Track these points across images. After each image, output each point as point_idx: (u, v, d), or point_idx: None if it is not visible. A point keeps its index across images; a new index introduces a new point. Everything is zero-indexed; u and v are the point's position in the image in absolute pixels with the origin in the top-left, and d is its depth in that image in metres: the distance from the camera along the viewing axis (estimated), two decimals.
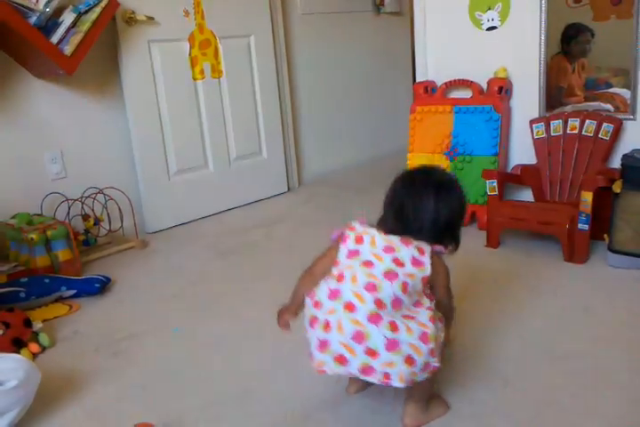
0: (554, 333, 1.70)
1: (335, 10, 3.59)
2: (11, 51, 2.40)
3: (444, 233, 1.30)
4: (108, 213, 2.56)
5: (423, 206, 1.28)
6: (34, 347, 1.70)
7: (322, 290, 1.26)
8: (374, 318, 1.19)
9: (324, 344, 1.22)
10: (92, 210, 2.55)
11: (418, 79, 2.85)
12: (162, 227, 2.85)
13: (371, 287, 1.20)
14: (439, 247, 1.28)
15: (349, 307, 1.20)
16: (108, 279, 2.17)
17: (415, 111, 2.71)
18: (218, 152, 3.04)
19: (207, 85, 2.96)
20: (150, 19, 2.69)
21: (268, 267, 2.30)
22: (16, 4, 2.21)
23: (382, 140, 3.95)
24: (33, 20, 2.28)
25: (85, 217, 2.53)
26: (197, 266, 2.38)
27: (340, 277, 1.24)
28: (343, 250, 1.27)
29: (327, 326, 1.21)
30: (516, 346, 1.64)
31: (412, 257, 1.23)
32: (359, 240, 1.26)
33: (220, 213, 3.04)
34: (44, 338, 1.75)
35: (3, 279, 2.10)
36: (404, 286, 1.21)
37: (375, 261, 1.23)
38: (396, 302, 1.20)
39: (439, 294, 1.31)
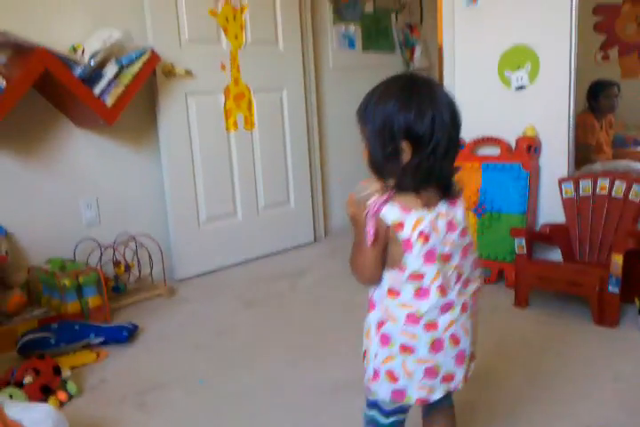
0: (582, 400, 1.66)
1: (365, 65, 3.70)
2: (54, 100, 2.50)
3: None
4: (138, 260, 2.60)
5: (447, 134, 1.07)
6: (62, 395, 1.70)
7: (430, 311, 1.06)
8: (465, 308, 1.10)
9: (433, 370, 1.09)
10: (124, 256, 2.59)
11: None
12: (190, 274, 2.87)
13: (462, 281, 1.10)
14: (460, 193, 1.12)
15: (464, 308, 1.10)
16: (136, 327, 2.19)
17: None
18: (247, 201, 3.10)
19: (239, 136, 3.04)
20: (188, 72, 2.80)
21: (293, 319, 2.29)
22: (63, 56, 2.33)
23: None
24: (78, 72, 2.39)
25: (116, 263, 2.57)
26: (224, 316, 2.38)
27: (443, 290, 1.06)
28: (416, 260, 1.05)
29: (438, 344, 1.08)
30: (543, 414, 1.60)
31: (463, 217, 1.11)
32: (424, 237, 1.04)
33: (247, 261, 3.07)
34: (71, 386, 1.76)
35: (34, 324, 2.13)
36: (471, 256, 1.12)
37: (450, 250, 1.07)
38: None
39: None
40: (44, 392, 1.67)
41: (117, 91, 2.48)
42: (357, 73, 3.66)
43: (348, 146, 3.65)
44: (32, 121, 2.42)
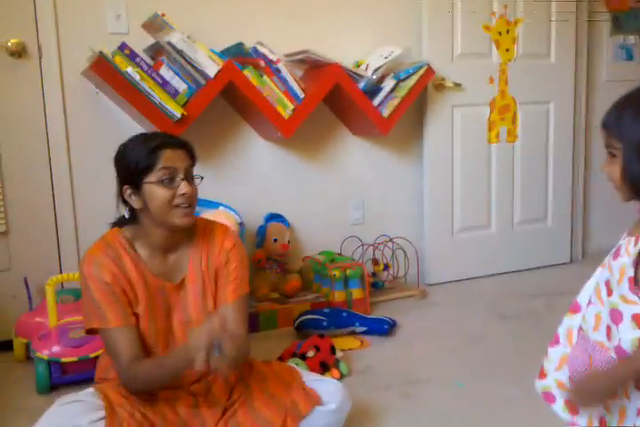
0: None
1: None
2: (337, 110, 2.78)
3: None
4: (396, 260, 2.77)
5: None
6: (335, 373, 1.89)
7: None
8: None
9: None
10: (383, 255, 2.77)
11: None
12: (440, 280, 2.96)
13: None
14: None
15: None
16: (395, 322, 2.33)
17: None
18: (502, 214, 3.08)
19: (501, 149, 3.04)
20: (457, 85, 2.89)
21: (549, 339, 2.22)
22: (350, 71, 2.58)
23: None
24: (361, 85, 2.63)
25: (375, 261, 2.76)
26: (476, 325, 2.41)
27: None
28: None
29: None
30: None
31: None
32: None
33: (497, 274, 3.06)
34: (343, 366, 1.94)
35: (307, 307, 2.40)
36: None
37: None
38: None
39: None
40: (322, 367, 1.87)
41: (394, 103, 2.67)
42: (632, 85, 3.39)
43: None
44: (317, 128, 2.72)
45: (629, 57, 3.41)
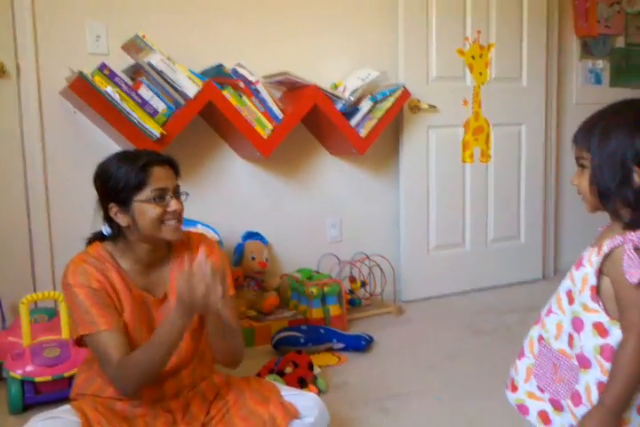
0: None
1: (612, 101, 3.51)
2: (315, 130, 2.83)
3: None
4: (373, 277, 2.80)
5: None
6: (313, 389, 1.90)
7: None
8: None
9: None
10: (360, 273, 2.80)
11: None
12: (416, 297, 3.00)
13: None
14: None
15: None
16: (372, 339, 2.35)
17: None
18: (476, 232, 3.15)
19: (475, 169, 3.12)
20: (432, 107, 2.97)
21: None
22: (328, 92, 2.64)
23: None
24: (339, 106, 2.69)
25: (352, 279, 2.79)
26: (452, 341, 2.45)
27: None
28: None
29: None
30: None
31: None
32: None
33: (472, 291, 3.11)
34: (321, 382, 1.96)
35: (285, 324, 2.41)
36: None
37: None
38: None
39: None
40: (300, 383, 1.88)
41: (371, 124, 2.73)
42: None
43: None
44: (295, 148, 2.77)
45: (598, 81, 3.54)
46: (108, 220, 1.46)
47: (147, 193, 1.40)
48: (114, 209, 1.42)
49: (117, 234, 1.46)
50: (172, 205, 1.42)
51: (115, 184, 1.41)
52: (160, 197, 1.41)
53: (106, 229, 1.49)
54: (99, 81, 2.16)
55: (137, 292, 1.46)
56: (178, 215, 1.44)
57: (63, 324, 1.99)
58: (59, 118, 2.33)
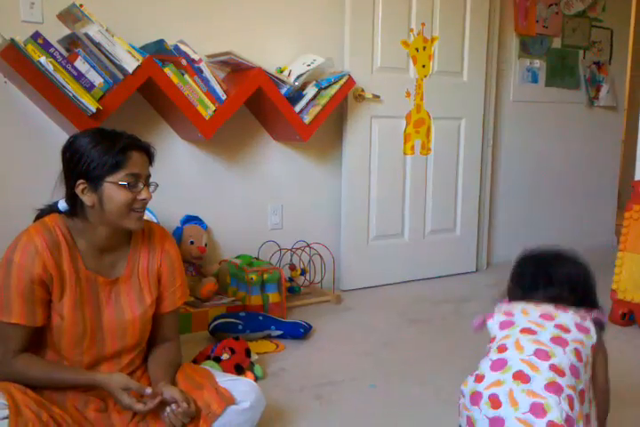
0: None
1: (547, 99, 3.67)
2: (259, 114, 2.79)
3: (584, 300, 1.25)
4: (313, 266, 2.78)
5: (560, 273, 1.28)
6: (250, 375, 1.87)
7: (483, 363, 1.18)
8: (554, 388, 1.06)
9: (496, 423, 1.09)
10: (301, 261, 2.78)
11: (637, 177, 2.79)
12: (355, 286, 3.01)
13: (541, 354, 1.10)
14: (599, 313, 1.20)
15: (520, 377, 1.09)
16: (310, 326, 2.34)
17: (632, 209, 2.64)
18: (414, 224, 3.19)
19: (415, 161, 3.15)
20: (376, 97, 2.98)
21: (458, 340, 2.32)
22: (273, 76, 2.60)
23: (579, 233, 3.83)
24: (284, 90, 2.65)
25: (292, 266, 2.77)
26: (388, 329, 2.47)
27: (502, 348, 1.16)
28: (493, 325, 1.24)
29: (495, 400, 1.10)
30: None
31: (576, 323, 1.17)
32: (508, 314, 1.23)
33: (409, 281, 3.15)
34: (258, 369, 1.93)
35: (222, 310, 2.36)
36: (578, 354, 1.11)
37: (536, 329, 1.16)
38: (575, 371, 1.09)
39: (600, 376, 1.19)
40: (237, 370, 1.85)
41: (315, 110, 2.70)
42: (538, 107, 3.64)
43: (520, 178, 3.64)
44: (239, 132, 2.71)
45: (534, 80, 3.65)
46: (71, 196, 1.39)
47: (120, 176, 1.35)
48: (81, 186, 1.36)
49: (76, 212, 1.40)
50: (143, 193, 1.39)
51: (88, 161, 1.35)
52: (133, 182, 1.37)
53: (62, 205, 1.42)
54: (32, 50, 2.02)
55: (86, 273, 1.41)
56: (145, 205, 1.41)
57: None
58: None
